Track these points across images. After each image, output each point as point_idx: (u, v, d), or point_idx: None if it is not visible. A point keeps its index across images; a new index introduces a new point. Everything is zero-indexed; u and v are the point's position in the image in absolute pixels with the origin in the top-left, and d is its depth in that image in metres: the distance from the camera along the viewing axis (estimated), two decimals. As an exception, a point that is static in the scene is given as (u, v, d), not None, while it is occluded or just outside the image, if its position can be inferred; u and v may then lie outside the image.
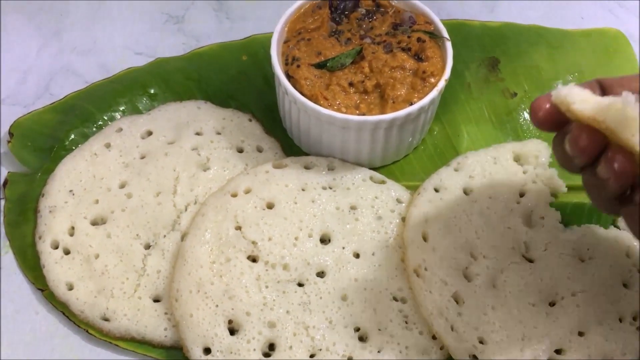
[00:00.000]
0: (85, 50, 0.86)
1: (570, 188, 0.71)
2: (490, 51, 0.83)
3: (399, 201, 0.70)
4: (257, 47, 0.82)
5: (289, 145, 0.76)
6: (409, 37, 0.70)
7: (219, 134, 0.74)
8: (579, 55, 0.82)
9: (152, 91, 0.79)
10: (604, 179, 0.46)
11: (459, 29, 0.83)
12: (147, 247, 0.67)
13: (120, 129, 0.75)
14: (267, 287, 0.64)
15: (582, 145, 0.46)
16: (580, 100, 0.45)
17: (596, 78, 0.52)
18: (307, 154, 0.75)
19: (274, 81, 0.72)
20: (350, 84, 0.68)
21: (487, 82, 0.80)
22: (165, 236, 0.67)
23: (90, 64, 0.84)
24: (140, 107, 0.78)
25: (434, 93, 0.68)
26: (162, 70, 0.80)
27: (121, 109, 0.77)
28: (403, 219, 0.68)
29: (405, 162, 0.75)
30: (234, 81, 0.80)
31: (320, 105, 0.67)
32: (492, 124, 0.78)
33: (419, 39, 0.70)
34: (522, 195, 0.70)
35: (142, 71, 0.80)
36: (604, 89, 0.52)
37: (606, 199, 0.49)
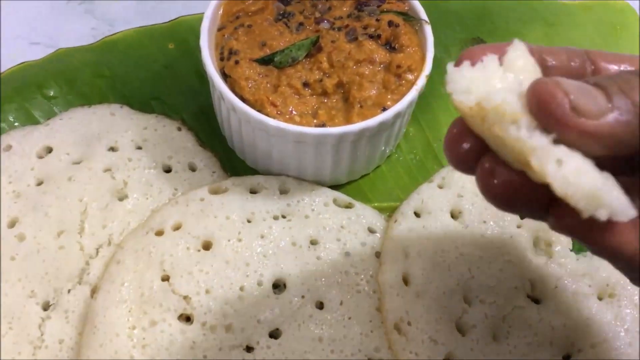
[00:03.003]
0: (-36, 41, 0.71)
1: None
2: (474, 31, 0.71)
3: (371, 231, 0.57)
4: (186, 33, 0.68)
5: (230, 159, 0.62)
6: (377, 20, 0.57)
7: (139, 148, 0.61)
8: (581, 34, 0.71)
9: (51, 93, 0.64)
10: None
11: (434, 5, 0.69)
12: (46, 307, 0.53)
13: (9, 147, 0.60)
14: (205, 356, 0.51)
15: (451, 156, 0.37)
16: (462, 89, 0.34)
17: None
18: (253, 170, 0.61)
19: (201, 59, 0.57)
20: (305, 84, 0.55)
21: (472, 70, 0.66)
22: (69, 291, 0.54)
23: (-30, 58, 0.69)
24: (37, 116, 0.63)
25: (412, 94, 0.54)
26: (65, 66, 0.65)
27: (10, 118, 0.62)
28: (377, 255, 0.56)
29: (376, 176, 0.62)
30: (158, 78, 0.66)
31: (267, 114, 0.54)
32: (481, 124, 0.64)
33: (390, 23, 0.56)
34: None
35: (37, 67, 0.65)
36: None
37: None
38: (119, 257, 0.53)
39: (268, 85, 0.54)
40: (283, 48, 0.55)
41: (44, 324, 0.52)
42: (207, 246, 0.55)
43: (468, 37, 0.69)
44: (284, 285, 0.54)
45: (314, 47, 0.55)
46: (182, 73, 0.66)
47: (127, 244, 0.54)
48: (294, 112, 0.54)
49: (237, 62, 0.54)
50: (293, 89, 0.54)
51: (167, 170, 0.60)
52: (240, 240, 0.55)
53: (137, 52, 0.67)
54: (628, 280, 0.55)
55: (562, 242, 0.56)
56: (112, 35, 0.68)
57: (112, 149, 0.60)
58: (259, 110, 0.53)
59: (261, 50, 0.55)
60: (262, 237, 0.55)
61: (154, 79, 0.66)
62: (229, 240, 0.55)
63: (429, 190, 0.59)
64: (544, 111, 0.31)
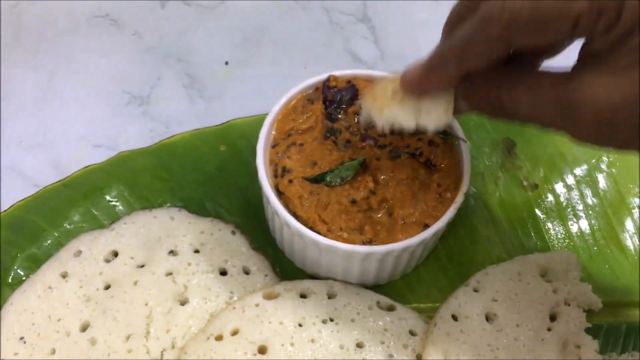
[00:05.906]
0: (34, 144, 0.73)
1: (606, 305, 0.63)
2: (503, 131, 0.73)
3: (412, 333, 0.60)
4: (236, 135, 0.71)
5: (279, 259, 0.65)
6: (419, 139, 0.60)
7: (197, 252, 0.63)
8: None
9: (114, 196, 0.67)
10: None
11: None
12: (118, 409, 0.56)
13: (79, 252, 0.63)
14: None
15: None
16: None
17: None
18: (301, 270, 0.65)
19: (258, 177, 0.60)
20: (353, 202, 0.58)
21: (503, 171, 0.70)
22: (138, 393, 0.56)
23: (39, 161, 0.72)
24: (102, 218, 0.67)
25: (451, 212, 0.58)
26: (126, 169, 0.68)
27: (75, 219, 0.66)
28: (418, 357, 0.59)
29: (414, 277, 0.65)
30: (212, 180, 0.69)
31: (318, 231, 0.57)
32: (511, 225, 0.68)
33: (431, 142, 0.60)
34: (553, 319, 0.61)
35: (101, 171, 0.68)
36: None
37: None
38: (183, 361, 0.58)
39: (319, 203, 0.57)
40: (333, 168, 0.58)
41: None
42: (262, 350, 0.57)
43: (498, 138, 0.72)
44: (333, 387, 0.57)
45: (361, 167, 0.58)
46: (233, 174, 0.68)
47: (190, 349, 0.57)
48: (342, 229, 0.57)
49: (290, 182, 0.57)
50: (342, 206, 0.57)
51: (223, 273, 0.62)
52: (292, 344, 0.58)
53: (192, 154, 0.69)
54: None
55: (589, 346, 0.59)
56: (168, 138, 0.70)
57: (172, 252, 0.62)
58: (310, 227, 0.56)
59: (312, 168, 0.58)
60: (312, 341, 0.58)
61: (208, 181, 0.68)
62: (282, 345, 0.58)
63: (465, 294, 0.62)
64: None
